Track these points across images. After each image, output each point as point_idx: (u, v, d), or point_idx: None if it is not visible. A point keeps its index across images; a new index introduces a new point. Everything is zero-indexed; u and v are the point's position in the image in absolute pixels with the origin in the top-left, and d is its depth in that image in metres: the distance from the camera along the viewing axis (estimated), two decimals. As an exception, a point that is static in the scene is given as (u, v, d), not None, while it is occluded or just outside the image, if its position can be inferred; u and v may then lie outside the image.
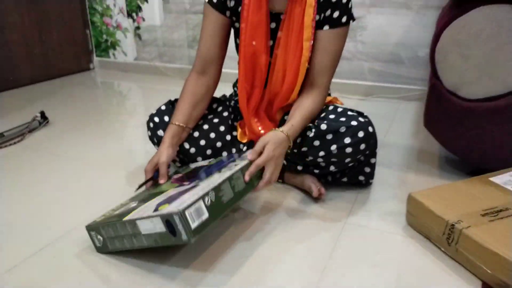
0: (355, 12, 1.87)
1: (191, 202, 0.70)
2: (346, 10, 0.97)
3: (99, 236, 0.83)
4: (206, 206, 0.72)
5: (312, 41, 0.97)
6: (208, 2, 1.03)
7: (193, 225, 0.69)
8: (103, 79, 2.47)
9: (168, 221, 0.70)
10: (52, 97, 2.06)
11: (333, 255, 0.84)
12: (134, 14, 2.40)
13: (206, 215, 0.72)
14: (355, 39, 1.90)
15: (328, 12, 0.97)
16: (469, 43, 1.00)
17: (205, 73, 1.06)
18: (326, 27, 0.98)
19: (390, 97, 1.88)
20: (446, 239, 0.83)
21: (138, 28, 2.42)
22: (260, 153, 0.88)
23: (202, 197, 0.72)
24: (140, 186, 0.95)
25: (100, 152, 1.38)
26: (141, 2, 2.34)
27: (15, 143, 1.46)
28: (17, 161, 1.32)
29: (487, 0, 0.97)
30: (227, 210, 0.79)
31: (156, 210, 0.74)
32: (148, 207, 0.78)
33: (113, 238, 0.80)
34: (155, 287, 0.76)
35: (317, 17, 0.97)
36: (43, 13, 2.30)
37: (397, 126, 1.57)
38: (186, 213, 0.68)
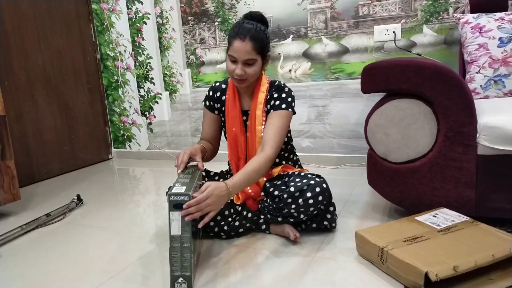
0: (321, 102, 2.40)
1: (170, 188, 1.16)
2: (284, 101, 1.44)
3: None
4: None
5: (263, 126, 1.45)
6: (204, 105, 1.58)
7: (182, 188, 1.12)
8: (120, 166, 2.92)
9: (174, 205, 1.10)
10: (80, 184, 2.48)
11: (303, 277, 1.19)
12: (147, 113, 2.94)
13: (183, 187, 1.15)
14: (324, 122, 2.39)
15: (272, 102, 1.46)
16: (387, 125, 1.45)
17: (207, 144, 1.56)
18: (272, 111, 1.45)
19: (356, 165, 2.32)
20: (380, 260, 1.19)
21: (150, 123, 2.94)
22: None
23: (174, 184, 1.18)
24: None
25: (121, 224, 1.77)
26: (153, 104, 2.90)
27: (58, 220, 1.84)
28: (62, 234, 1.69)
29: (395, 96, 1.45)
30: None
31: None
32: None
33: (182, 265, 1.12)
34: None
35: (267, 107, 1.47)
36: (72, 118, 2.83)
37: (360, 187, 1.98)
38: (173, 189, 1.12)
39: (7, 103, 2.39)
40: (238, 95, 1.52)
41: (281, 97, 1.45)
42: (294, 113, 1.48)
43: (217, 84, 1.58)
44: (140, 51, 2.83)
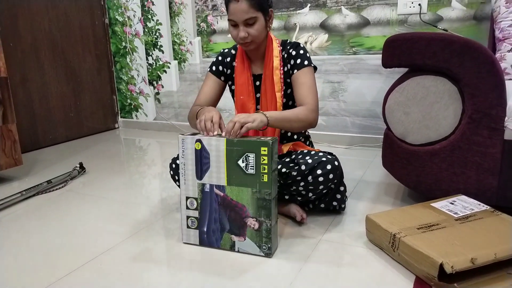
0: (337, 78, 2.28)
1: None
2: (304, 57, 1.35)
3: None
4: None
5: (282, 92, 1.38)
6: (209, 71, 1.47)
7: None
8: (126, 136, 2.87)
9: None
10: (84, 152, 2.44)
11: (308, 260, 1.13)
12: (154, 82, 2.85)
13: None
14: (338, 99, 2.28)
15: (292, 62, 1.37)
16: (408, 103, 1.35)
17: None
18: (295, 71, 1.35)
19: (370, 145, 2.22)
20: (391, 247, 1.11)
21: (157, 93, 2.86)
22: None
23: None
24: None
25: (123, 195, 1.71)
26: (161, 73, 2.80)
27: (60, 188, 1.80)
28: (62, 202, 1.65)
29: (417, 72, 1.33)
30: None
31: None
32: None
33: None
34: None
35: (285, 68, 1.38)
36: (79, 84, 2.76)
37: (373, 168, 1.89)
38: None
39: (12, 67, 2.33)
40: (248, 60, 1.43)
41: (300, 54, 1.36)
42: (316, 68, 1.40)
43: (226, 50, 1.49)
44: (150, 16, 2.72)
